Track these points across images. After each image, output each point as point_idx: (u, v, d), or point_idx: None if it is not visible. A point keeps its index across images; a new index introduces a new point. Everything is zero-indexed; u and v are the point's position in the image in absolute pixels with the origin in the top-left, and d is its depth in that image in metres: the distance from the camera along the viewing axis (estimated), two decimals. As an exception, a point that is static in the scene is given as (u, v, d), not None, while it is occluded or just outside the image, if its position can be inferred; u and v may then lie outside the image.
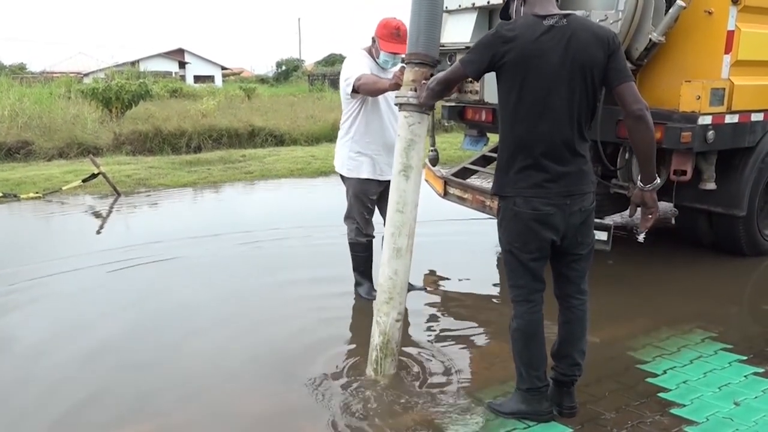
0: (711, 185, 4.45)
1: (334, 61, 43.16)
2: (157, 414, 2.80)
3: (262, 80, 40.80)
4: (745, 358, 3.27)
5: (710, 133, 4.10)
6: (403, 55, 3.78)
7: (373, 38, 3.83)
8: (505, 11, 2.67)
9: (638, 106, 2.38)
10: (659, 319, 3.83)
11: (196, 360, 3.33)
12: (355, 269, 4.14)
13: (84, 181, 7.75)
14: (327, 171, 8.86)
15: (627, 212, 5.03)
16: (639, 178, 2.52)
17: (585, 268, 2.59)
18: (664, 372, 3.11)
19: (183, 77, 39.59)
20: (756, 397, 2.86)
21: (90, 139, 11.22)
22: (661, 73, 4.23)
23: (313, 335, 3.59)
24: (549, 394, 2.65)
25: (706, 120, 4.08)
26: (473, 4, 4.90)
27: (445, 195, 5.16)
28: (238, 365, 3.26)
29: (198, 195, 8.00)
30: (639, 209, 2.59)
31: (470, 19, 4.94)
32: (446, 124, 12.01)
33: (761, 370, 3.12)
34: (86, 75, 30.70)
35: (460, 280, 4.64)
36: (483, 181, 5.13)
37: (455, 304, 4.21)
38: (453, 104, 5.44)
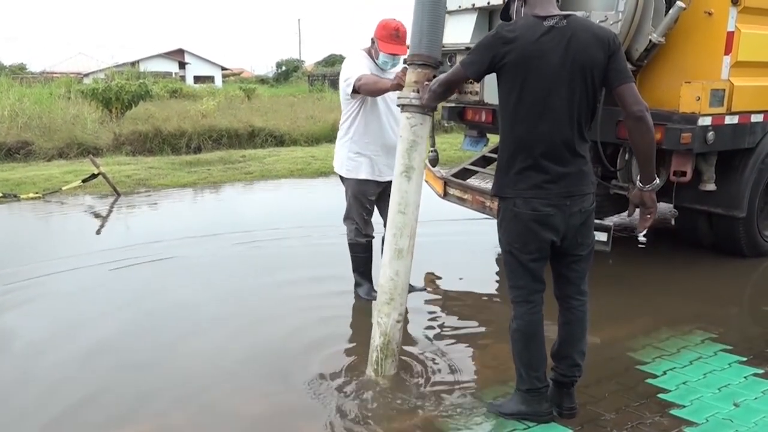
0: (711, 186, 4.46)
1: (334, 61, 43.18)
2: (156, 414, 2.80)
3: (262, 81, 40.83)
4: (745, 359, 3.27)
5: (710, 134, 4.11)
6: (403, 56, 3.81)
7: (372, 39, 3.83)
8: (505, 12, 2.67)
9: (638, 107, 2.38)
10: (659, 320, 3.83)
11: (195, 360, 3.33)
12: (354, 270, 4.14)
13: (84, 181, 7.75)
14: (327, 171, 8.86)
15: (626, 212, 5.07)
16: (638, 178, 2.53)
17: (585, 269, 2.59)
18: (664, 373, 3.11)
19: (183, 78, 39.61)
20: (756, 398, 2.86)
21: (90, 140, 11.21)
22: (661, 74, 4.23)
23: (313, 335, 3.59)
24: (549, 395, 2.64)
25: (705, 121, 4.08)
26: (473, 4, 4.90)
27: (445, 196, 5.16)
28: (237, 365, 3.25)
29: (198, 195, 8.00)
30: (638, 209, 2.59)
31: (470, 19, 4.95)
32: (446, 124, 12.04)
33: (761, 371, 3.12)
34: (86, 75, 30.74)
35: (460, 280, 4.64)
36: (483, 181, 5.12)
37: (455, 304, 4.21)
38: (453, 105, 5.44)
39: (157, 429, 2.69)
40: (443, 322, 3.86)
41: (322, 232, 5.64)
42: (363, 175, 3.88)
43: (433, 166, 5.42)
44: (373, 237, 4.06)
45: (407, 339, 3.43)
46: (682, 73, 4.13)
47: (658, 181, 2.53)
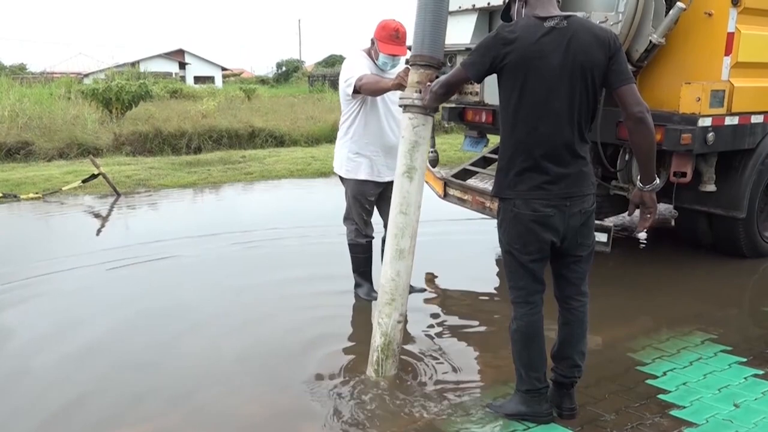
0: (711, 187, 4.46)
1: (334, 62, 43.16)
2: (152, 415, 2.79)
3: (262, 81, 40.80)
4: (745, 359, 3.27)
5: (710, 135, 4.11)
6: (403, 57, 3.81)
7: (372, 40, 3.83)
8: (506, 13, 2.67)
9: (639, 108, 2.38)
10: (659, 320, 3.83)
11: (192, 360, 3.33)
12: (354, 270, 4.14)
13: (84, 181, 7.76)
14: (327, 172, 8.86)
15: (626, 213, 5.07)
16: (638, 178, 2.53)
17: (585, 270, 2.59)
18: (664, 374, 3.11)
19: (183, 78, 39.59)
20: (756, 399, 2.86)
21: (90, 140, 11.21)
22: (661, 74, 4.23)
23: (312, 335, 3.59)
24: (549, 396, 2.64)
25: (706, 122, 4.08)
26: (473, 5, 4.91)
27: (445, 196, 5.16)
28: (236, 365, 3.25)
29: (198, 195, 8.00)
30: (638, 209, 2.59)
31: (470, 20, 4.95)
32: (446, 125, 12.04)
33: (761, 372, 3.12)
34: (86, 75, 30.73)
35: (460, 280, 4.64)
36: (483, 182, 5.12)
37: (455, 304, 4.21)
38: (453, 105, 5.44)
39: (155, 430, 2.68)
40: (443, 323, 3.86)
41: (321, 233, 5.64)
42: (362, 176, 3.88)
43: (433, 167, 5.43)
44: (373, 237, 4.06)
45: (408, 339, 3.43)
46: (683, 74, 4.13)
47: (658, 181, 2.53)
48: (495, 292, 4.49)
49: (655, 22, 3.98)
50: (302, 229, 5.86)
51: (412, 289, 3.93)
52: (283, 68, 46.17)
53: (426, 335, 3.64)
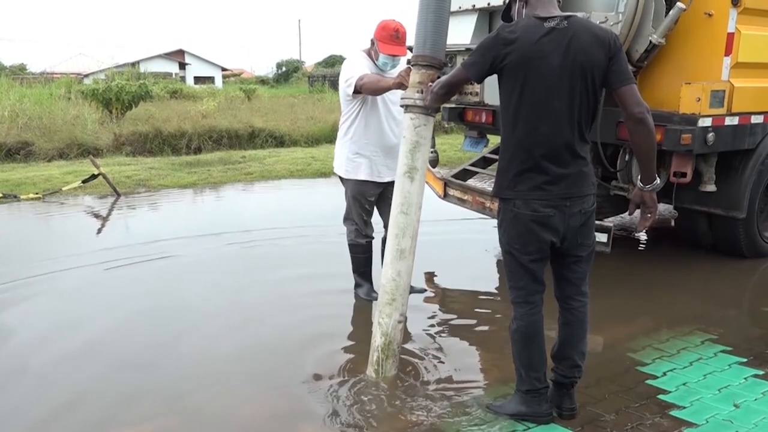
0: (711, 187, 4.46)
1: (334, 62, 43.17)
2: (153, 414, 2.78)
3: (262, 81, 40.81)
4: (745, 360, 3.27)
5: (710, 135, 4.11)
6: (403, 57, 3.81)
7: (372, 40, 3.82)
8: (506, 13, 2.67)
9: (639, 108, 2.38)
10: (659, 320, 3.84)
11: (192, 359, 3.33)
12: (354, 271, 4.14)
13: (84, 181, 7.76)
14: (327, 172, 8.86)
15: (626, 213, 5.07)
16: (639, 178, 2.53)
17: (585, 270, 2.59)
18: (664, 374, 3.11)
19: (183, 78, 39.60)
20: (756, 399, 2.86)
21: (90, 140, 11.21)
22: (661, 75, 4.23)
23: (312, 335, 3.58)
24: (549, 396, 2.65)
25: (706, 122, 4.08)
26: (473, 5, 4.91)
27: (445, 196, 5.16)
28: (236, 365, 3.25)
29: (198, 196, 8.00)
30: (638, 209, 2.59)
31: (470, 20, 4.95)
32: (446, 125, 12.04)
33: (761, 373, 3.12)
34: (86, 76, 30.71)
35: (460, 280, 4.64)
36: (483, 182, 5.12)
37: (455, 304, 4.21)
38: (453, 106, 5.44)
39: (151, 430, 2.68)
40: (443, 323, 3.86)
41: (321, 233, 5.64)
42: (362, 176, 3.88)
43: (433, 167, 5.43)
44: (373, 238, 4.06)
45: (408, 339, 3.43)
46: (683, 74, 4.13)
47: (658, 181, 2.53)
48: (495, 292, 4.49)
49: (655, 23, 3.98)
50: (302, 229, 5.87)
51: (413, 290, 3.93)
52: (283, 68, 46.19)
53: (426, 335, 3.64)
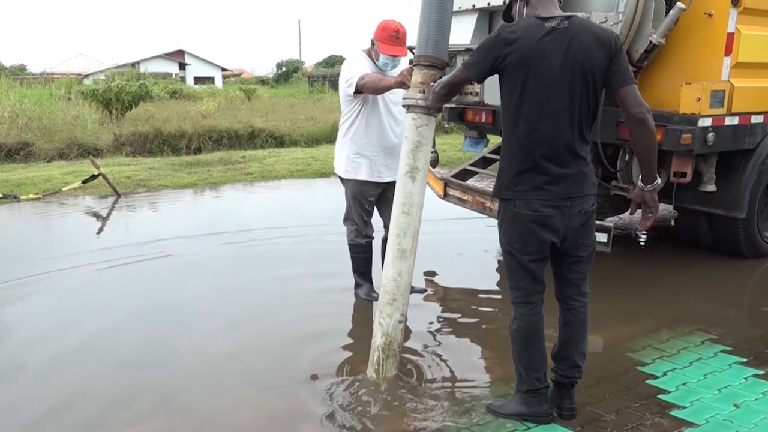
0: (711, 187, 4.46)
1: (334, 62, 43.17)
2: (152, 415, 2.78)
3: (262, 81, 40.82)
4: (745, 360, 3.27)
5: (710, 135, 4.11)
6: (403, 58, 3.81)
7: (372, 41, 3.82)
8: (507, 13, 2.67)
9: (640, 109, 2.38)
10: (659, 320, 3.83)
11: (191, 359, 3.32)
12: (354, 271, 4.14)
13: (84, 182, 7.76)
14: (327, 172, 8.87)
15: (627, 212, 5.06)
16: (640, 178, 2.53)
17: (586, 270, 2.59)
18: (664, 374, 3.11)
19: (183, 78, 39.60)
20: (756, 399, 2.86)
21: (90, 141, 11.22)
22: (661, 75, 4.23)
23: (312, 335, 3.58)
24: (549, 396, 2.65)
25: (706, 122, 4.08)
26: (473, 5, 4.91)
27: (445, 197, 5.16)
28: (235, 365, 3.25)
29: (198, 196, 8.00)
30: (639, 209, 2.59)
31: (470, 20, 4.96)
32: (446, 125, 12.05)
33: (761, 372, 3.13)
34: (86, 76, 30.72)
35: (460, 280, 4.64)
36: (483, 182, 5.13)
37: (456, 304, 4.21)
38: (453, 106, 5.44)
39: (150, 431, 2.68)
40: (444, 323, 3.86)
41: (321, 233, 5.65)
42: (362, 176, 3.88)
43: (433, 167, 5.43)
44: (373, 238, 4.06)
45: (408, 339, 3.43)
46: (683, 74, 4.13)
47: (659, 181, 2.53)
48: (495, 292, 4.49)
49: (655, 23, 3.98)
50: (302, 229, 5.87)
51: (413, 289, 3.93)
52: (283, 69, 46.19)
53: (426, 335, 3.64)
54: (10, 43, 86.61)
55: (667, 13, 3.97)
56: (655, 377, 3.07)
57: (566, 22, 2.37)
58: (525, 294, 2.57)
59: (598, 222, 3.48)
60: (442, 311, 4.05)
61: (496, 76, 2.49)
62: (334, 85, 23.34)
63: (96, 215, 6.94)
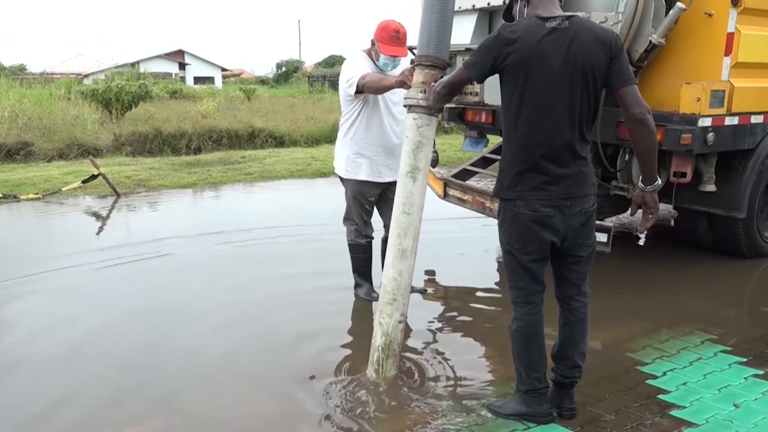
0: (711, 187, 4.46)
1: (333, 62, 43.17)
2: (152, 414, 2.78)
3: (262, 81, 40.82)
4: (744, 360, 3.27)
5: (710, 135, 4.11)
6: (404, 58, 3.81)
7: (372, 41, 3.82)
8: (508, 12, 2.67)
9: (640, 109, 2.37)
10: (659, 320, 3.84)
11: (190, 358, 3.32)
12: (354, 271, 4.14)
13: (84, 182, 7.76)
14: (327, 172, 8.87)
15: (627, 213, 5.06)
16: (640, 179, 2.53)
17: (586, 270, 2.59)
18: (664, 374, 3.11)
19: (183, 78, 39.60)
20: (756, 399, 2.86)
21: (90, 140, 11.21)
22: (661, 74, 4.23)
23: (312, 335, 3.58)
24: (549, 396, 2.65)
25: (706, 122, 4.08)
26: (473, 5, 4.90)
27: (445, 197, 5.16)
28: (233, 364, 3.25)
29: (198, 196, 8.00)
30: (640, 209, 2.59)
31: (470, 20, 4.95)
32: (446, 125, 12.05)
33: (761, 372, 3.13)
34: (86, 76, 30.71)
35: (460, 280, 4.65)
36: (483, 182, 5.13)
37: (455, 304, 4.21)
38: (453, 106, 5.44)
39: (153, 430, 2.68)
40: (443, 322, 3.86)
41: (321, 232, 5.64)
42: (363, 176, 3.88)
43: (433, 167, 5.42)
44: (373, 238, 4.06)
45: (408, 339, 3.43)
46: (683, 74, 4.13)
47: (659, 181, 2.53)
48: (495, 292, 4.49)
49: (655, 23, 3.98)
50: (302, 228, 5.87)
51: (414, 289, 3.93)
52: (283, 69, 46.19)
53: (426, 335, 3.64)
54: (9, 43, 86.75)
55: (667, 13, 3.97)
56: (655, 377, 3.07)
57: (567, 22, 2.36)
58: (525, 294, 2.57)
59: (598, 222, 3.48)
60: (442, 311, 4.05)
61: (496, 76, 2.48)
62: (334, 85, 23.33)
63: (95, 215, 6.94)
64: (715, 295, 4.37)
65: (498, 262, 5.01)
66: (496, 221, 2.68)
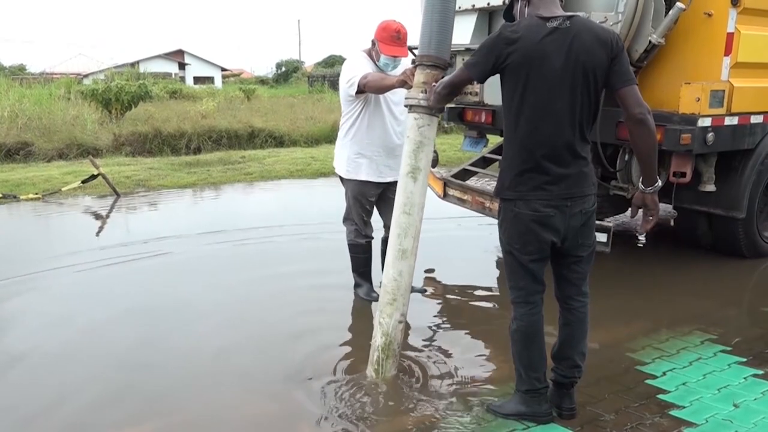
0: (710, 187, 4.46)
1: (333, 62, 43.16)
2: (151, 415, 2.77)
3: (262, 81, 40.82)
4: (744, 360, 3.27)
5: (710, 135, 4.11)
6: (404, 58, 3.81)
7: (372, 41, 3.82)
8: (508, 12, 2.67)
9: (640, 109, 2.37)
10: (659, 320, 3.84)
11: (190, 358, 3.32)
12: (354, 270, 4.14)
13: (83, 182, 7.75)
14: (326, 172, 8.87)
15: (627, 214, 5.07)
16: (640, 180, 2.53)
17: (586, 270, 2.59)
18: (664, 374, 3.11)
19: (183, 78, 39.60)
20: (755, 399, 2.86)
21: (89, 140, 11.21)
22: (660, 74, 4.23)
23: (312, 335, 3.58)
24: (549, 396, 2.65)
25: (705, 122, 4.08)
26: (473, 5, 4.90)
27: (445, 196, 5.16)
28: (233, 364, 3.25)
29: (197, 196, 8.00)
30: (640, 211, 2.59)
31: (470, 20, 4.95)
32: (446, 125, 12.05)
33: (761, 372, 3.13)
34: (86, 76, 30.70)
35: (460, 280, 4.64)
36: (483, 182, 5.13)
37: (455, 304, 4.21)
38: (453, 106, 5.44)
39: (154, 430, 2.68)
40: (443, 322, 3.87)
41: (320, 232, 5.64)
42: (363, 176, 3.88)
43: (433, 167, 5.42)
44: (373, 238, 4.06)
45: (407, 340, 3.43)
46: (682, 74, 4.13)
47: (659, 182, 2.53)
48: (495, 292, 4.49)
49: (654, 23, 3.98)
50: (301, 228, 5.87)
51: (414, 289, 3.93)
52: (283, 69, 46.19)
53: (426, 335, 3.64)
54: (9, 43, 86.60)
55: (666, 13, 3.97)
56: (655, 377, 3.07)
57: (568, 22, 2.36)
58: (525, 294, 2.57)
59: (598, 222, 3.47)
60: (442, 311, 4.05)
61: (496, 76, 2.48)
62: (334, 85, 23.34)
63: (95, 215, 6.94)
64: (714, 295, 4.37)
65: (498, 262, 5.01)
66: (495, 221, 2.68)
